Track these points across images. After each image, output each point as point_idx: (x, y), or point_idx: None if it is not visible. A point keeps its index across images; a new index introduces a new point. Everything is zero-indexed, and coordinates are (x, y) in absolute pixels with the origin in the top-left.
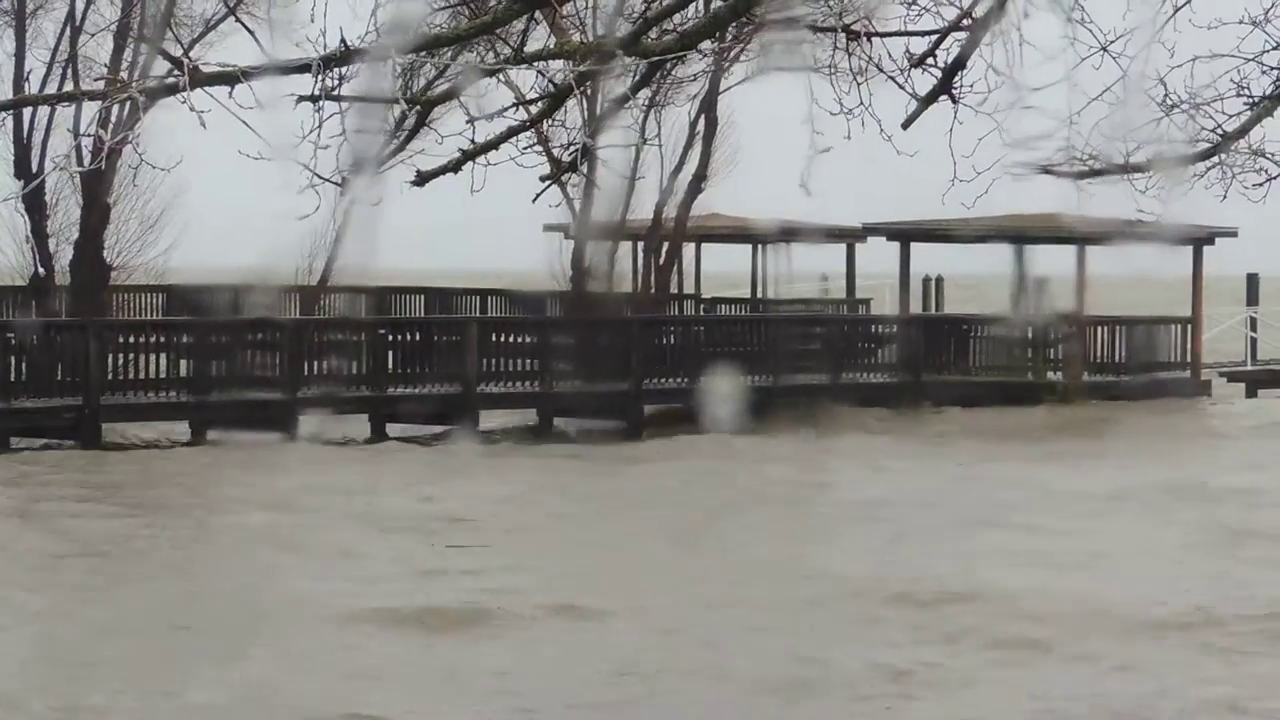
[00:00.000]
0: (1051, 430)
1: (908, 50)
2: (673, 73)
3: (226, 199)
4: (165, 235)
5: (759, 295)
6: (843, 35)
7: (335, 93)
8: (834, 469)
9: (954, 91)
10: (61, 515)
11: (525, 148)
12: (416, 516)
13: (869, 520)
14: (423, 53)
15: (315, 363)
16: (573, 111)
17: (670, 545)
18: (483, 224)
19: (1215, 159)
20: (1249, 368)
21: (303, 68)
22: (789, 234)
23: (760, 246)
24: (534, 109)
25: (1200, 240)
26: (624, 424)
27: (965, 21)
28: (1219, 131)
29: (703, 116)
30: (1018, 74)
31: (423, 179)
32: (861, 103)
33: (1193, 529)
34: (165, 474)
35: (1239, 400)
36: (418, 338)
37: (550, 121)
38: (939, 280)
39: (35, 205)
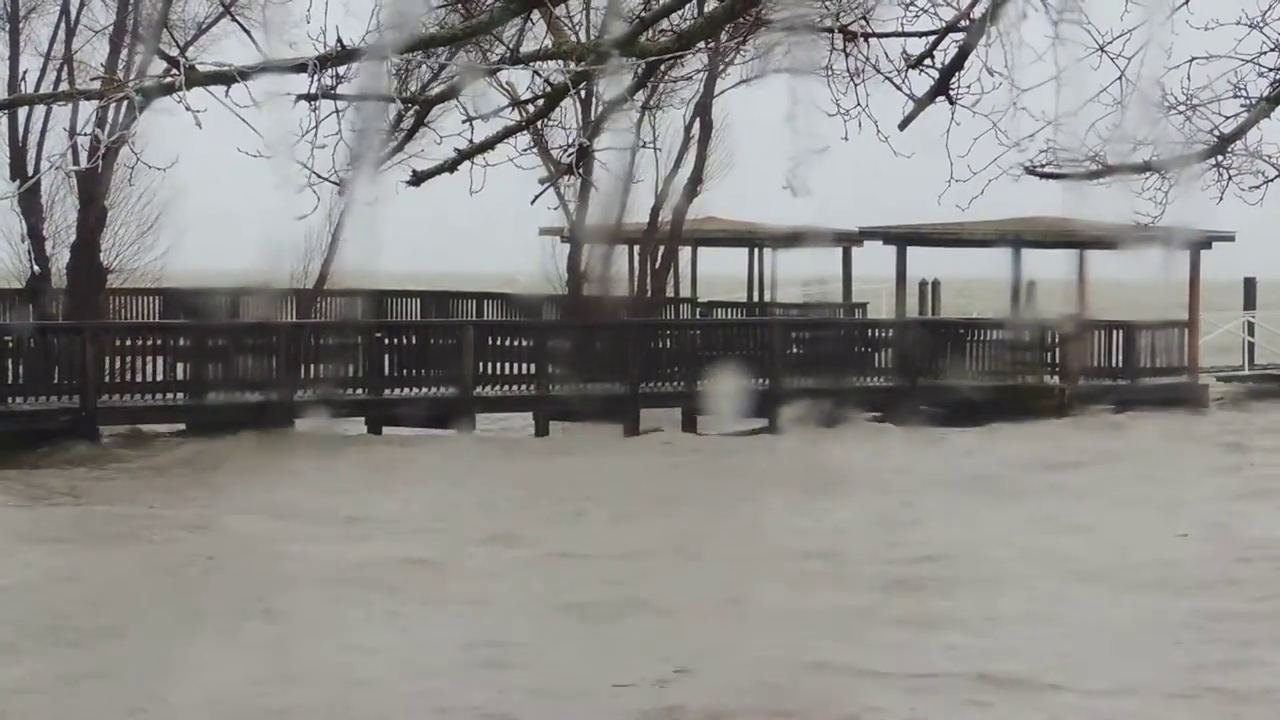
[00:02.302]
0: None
1: (905, 51)
2: (668, 74)
3: (223, 201)
4: (162, 238)
5: (755, 299)
6: (839, 36)
7: (332, 92)
8: None
9: (951, 92)
10: None
11: (524, 149)
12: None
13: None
14: (419, 52)
15: (312, 366)
16: (569, 113)
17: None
18: (480, 227)
19: (1213, 160)
20: (1246, 372)
21: (299, 67)
22: (786, 238)
23: (757, 250)
24: (530, 109)
25: (1198, 244)
26: (621, 427)
27: (963, 22)
28: (1216, 133)
29: (698, 119)
30: (1015, 75)
31: (419, 179)
32: (859, 104)
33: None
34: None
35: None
36: (414, 341)
37: (547, 122)
38: (935, 284)
39: (31, 207)
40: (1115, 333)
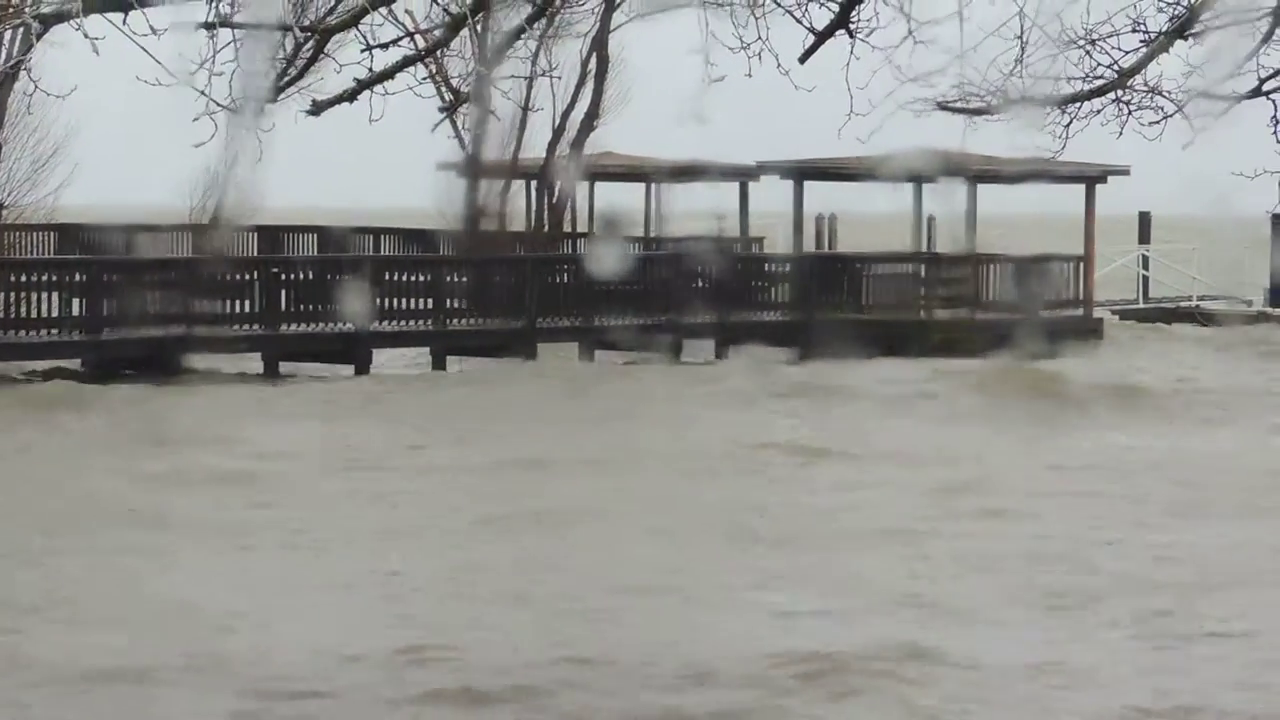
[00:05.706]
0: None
1: None
2: (566, 4)
3: (120, 136)
4: (57, 174)
5: (652, 234)
6: None
7: (231, 20)
8: None
9: (851, 26)
10: None
11: (423, 78)
12: None
13: None
14: None
15: (209, 301)
16: (467, 43)
17: None
18: (377, 163)
19: (1112, 95)
20: (1140, 305)
21: None
22: (683, 172)
23: (654, 185)
24: (429, 39)
25: (1093, 178)
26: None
27: None
28: (1115, 68)
29: (594, 54)
30: (916, 9)
31: (318, 108)
32: (759, 37)
33: None
34: None
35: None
36: (311, 276)
37: (445, 52)
38: (832, 218)
39: None
40: (1010, 266)
